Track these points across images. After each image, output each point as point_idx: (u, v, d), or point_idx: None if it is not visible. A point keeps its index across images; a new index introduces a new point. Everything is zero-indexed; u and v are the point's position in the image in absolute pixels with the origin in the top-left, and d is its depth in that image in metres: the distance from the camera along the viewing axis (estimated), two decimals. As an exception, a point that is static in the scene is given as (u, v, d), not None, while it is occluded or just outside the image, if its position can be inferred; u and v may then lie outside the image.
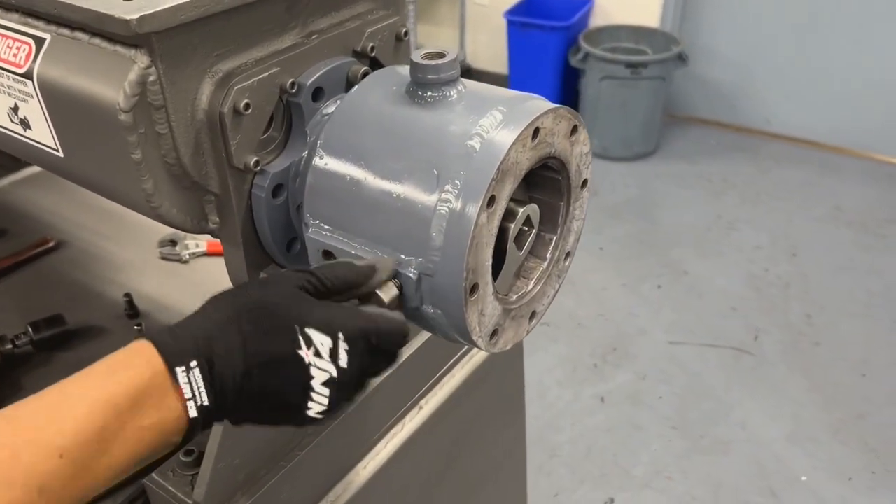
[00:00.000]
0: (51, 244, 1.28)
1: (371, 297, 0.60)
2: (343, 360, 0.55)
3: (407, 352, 0.96)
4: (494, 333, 0.65)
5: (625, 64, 3.28)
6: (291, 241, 0.72)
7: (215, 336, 0.53)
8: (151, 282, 1.20)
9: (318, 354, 0.54)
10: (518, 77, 3.62)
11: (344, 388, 0.56)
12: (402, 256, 0.60)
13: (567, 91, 3.63)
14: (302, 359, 0.54)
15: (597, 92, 3.39)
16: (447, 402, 1.04)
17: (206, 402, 0.52)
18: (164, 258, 1.25)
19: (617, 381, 2.38)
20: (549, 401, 2.30)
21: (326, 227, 0.64)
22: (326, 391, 0.55)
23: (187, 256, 1.24)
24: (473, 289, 0.59)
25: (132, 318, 1.13)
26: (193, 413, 0.51)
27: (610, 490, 2.04)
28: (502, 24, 3.55)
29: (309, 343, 0.54)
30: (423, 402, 1.02)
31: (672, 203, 3.26)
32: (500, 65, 3.84)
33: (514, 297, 0.68)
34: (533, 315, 0.70)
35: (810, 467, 2.10)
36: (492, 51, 3.91)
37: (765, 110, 3.68)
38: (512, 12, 3.51)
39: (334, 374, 0.55)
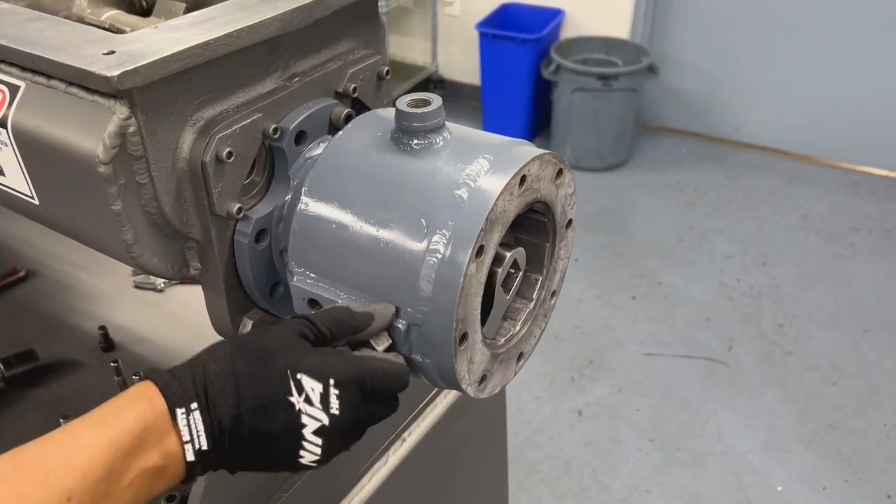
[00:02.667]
0: (21, 274, 1.25)
1: (364, 346, 0.59)
2: (335, 408, 0.55)
3: (390, 386, 0.95)
4: (483, 379, 0.65)
5: (596, 76, 3.30)
6: (274, 285, 0.70)
7: (212, 378, 0.53)
8: (126, 312, 1.18)
9: (308, 401, 0.54)
10: (491, 89, 3.63)
11: (337, 436, 0.56)
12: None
13: (539, 102, 3.64)
14: (293, 405, 0.54)
15: (569, 103, 3.41)
16: (430, 433, 1.03)
17: (203, 447, 0.52)
18: (138, 287, 1.23)
19: (594, 395, 2.39)
20: (527, 416, 2.30)
21: (312, 275, 0.63)
22: (319, 440, 0.55)
23: (162, 285, 1.22)
24: (463, 338, 0.59)
25: (107, 352, 1.11)
26: (191, 457, 0.52)
27: (589, 505, 2.04)
28: (474, 35, 3.56)
29: (300, 389, 0.54)
30: (405, 434, 1.01)
31: (644, 213, 3.29)
32: (472, 76, 3.84)
33: (502, 341, 0.68)
34: (520, 356, 0.70)
35: (785, 477, 2.12)
36: (464, 62, 3.91)
37: (734, 120, 3.73)
38: (484, 24, 3.52)
39: (326, 422, 0.54)
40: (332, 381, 0.54)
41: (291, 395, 0.54)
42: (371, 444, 0.96)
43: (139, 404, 0.51)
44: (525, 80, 3.51)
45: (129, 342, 1.12)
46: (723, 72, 3.63)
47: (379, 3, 0.75)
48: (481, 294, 0.60)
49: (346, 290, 0.61)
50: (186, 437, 0.51)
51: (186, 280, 1.20)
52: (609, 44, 3.55)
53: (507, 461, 1.31)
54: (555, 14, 3.58)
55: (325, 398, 0.54)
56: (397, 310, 0.59)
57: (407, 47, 4.03)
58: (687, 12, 3.57)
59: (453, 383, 0.62)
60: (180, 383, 0.52)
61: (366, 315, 0.58)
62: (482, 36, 3.50)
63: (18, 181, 0.65)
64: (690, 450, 2.21)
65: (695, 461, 2.18)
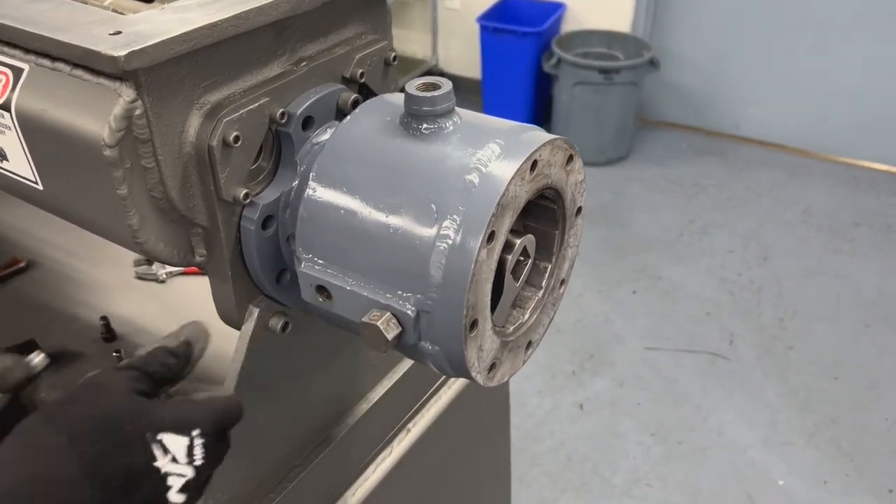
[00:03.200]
0: (21, 265, 1.24)
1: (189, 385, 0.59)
2: (199, 458, 0.51)
3: (394, 376, 0.95)
4: (492, 367, 0.64)
5: (597, 69, 3.29)
6: (281, 272, 0.70)
7: (49, 470, 0.45)
8: (128, 303, 1.17)
9: (174, 460, 0.50)
10: (491, 82, 3.62)
11: (199, 487, 0.52)
12: (400, 292, 0.59)
13: (540, 96, 3.64)
14: (158, 470, 0.49)
15: (570, 97, 3.40)
16: (434, 424, 1.02)
17: None
18: (140, 277, 1.22)
19: (595, 389, 2.39)
20: (528, 410, 2.30)
21: (320, 261, 0.62)
22: (183, 497, 0.50)
23: (164, 276, 1.21)
24: (473, 325, 0.58)
25: (109, 342, 1.10)
26: None
27: (591, 499, 2.04)
28: (475, 28, 3.55)
29: (165, 451, 0.50)
30: (410, 425, 1.00)
31: (645, 207, 3.29)
32: (473, 70, 3.83)
33: (511, 329, 0.67)
34: (529, 345, 0.70)
35: (786, 472, 2.12)
36: (465, 55, 3.90)
37: (734, 114, 3.72)
38: (484, 17, 3.51)
39: (191, 476, 0.51)
40: (195, 433, 0.51)
41: (156, 460, 0.49)
42: (376, 434, 0.95)
43: None
44: (526, 74, 3.50)
45: (131, 333, 1.11)
46: (723, 67, 3.63)
47: (385, -11, 0.74)
48: (492, 281, 0.59)
49: (355, 277, 0.61)
50: None
51: (189, 269, 1.20)
52: (610, 37, 3.54)
53: (509, 452, 1.30)
54: (556, 7, 3.57)
55: (190, 451, 0.51)
56: (402, 297, 0.58)
57: (407, 41, 4.02)
58: (688, 7, 3.56)
59: (463, 371, 0.61)
60: None
61: (183, 346, 0.58)
62: (483, 29, 3.49)
63: (22, 166, 0.64)
64: (691, 444, 2.21)
65: (695, 455, 2.18)
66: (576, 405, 2.33)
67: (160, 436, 0.50)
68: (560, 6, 3.58)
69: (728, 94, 3.69)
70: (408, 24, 3.99)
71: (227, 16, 0.56)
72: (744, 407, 2.33)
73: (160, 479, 0.49)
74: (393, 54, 0.73)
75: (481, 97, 3.70)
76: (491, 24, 3.46)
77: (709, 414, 2.30)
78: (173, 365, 0.57)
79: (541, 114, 3.72)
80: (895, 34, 3.27)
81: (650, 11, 3.58)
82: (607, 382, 2.41)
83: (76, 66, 0.57)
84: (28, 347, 1.05)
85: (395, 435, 0.98)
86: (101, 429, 0.48)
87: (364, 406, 0.91)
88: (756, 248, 3.02)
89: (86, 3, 0.82)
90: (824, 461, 2.15)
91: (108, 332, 1.10)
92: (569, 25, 3.64)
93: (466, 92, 3.92)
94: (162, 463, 0.49)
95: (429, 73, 3.99)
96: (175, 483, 0.50)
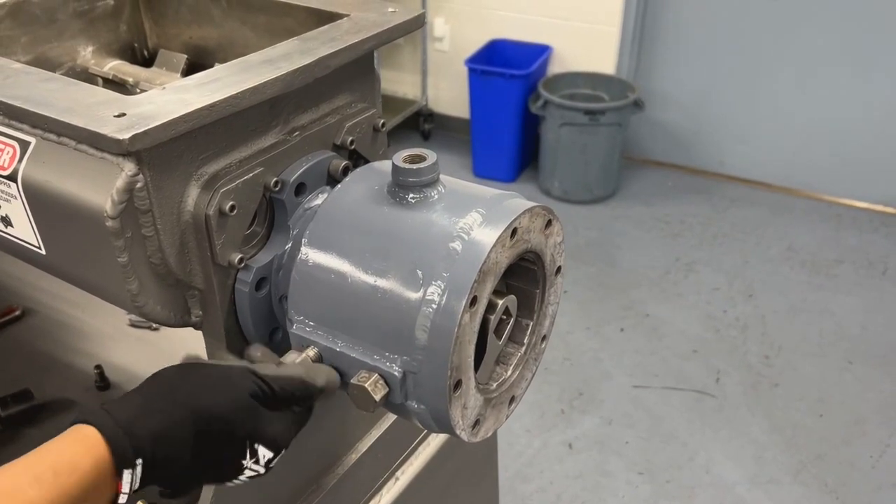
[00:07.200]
0: (17, 313, 1.26)
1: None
2: (274, 465, 0.62)
3: (383, 426, 0.97)
4: (476, 423, 0.67)
5: (583, 111, 3.36)
6: (273, 330, 0.73)
7: (166, 438, 0.55)
8: (122, 351, 1.19)
9: (256, 462, 0.60)
10: (480, 122, 3.68)
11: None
12: (387, 354, 0.62)
13: (528, 136, 3.70)
14: (242, 464, 0.60)
15: (556, 137, 3.46)
16: (422, 471, 1.04)
17: (136, 488, 0.55)
18: (133, 325, 1.24)
19: (584, 427, 2.41)
20: (517, 449, 2.31)
21: (311, 322, 0.65)
22: (248, 481, 0.61)
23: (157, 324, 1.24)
24: (457, 385, 0.61)
25: (103, 391, 1.11)
26: (123, 500, 0.54)
27: (579, 539, 2.05)
28: (464, 70, 3.61)
29: (254, 454, 0.60)
30: (398, 472, 1.02)
31: (631, 245, 3.33)
32: (461, 109, 3.90)
33: (495, 385, 0.70)
34: (512, 400, 0.72)
35: (773, 509, 2.14)
36: (454, 96, 3.97)
37: (718, 153, 3.79)
38: (473, 60, 3.58)
39: (262, 472, 0.61)
40: (283, 451, 0.62)
41: (245, 458, 0.59)
42: (365, 482, 0.97)
43: (82, 465, 0.51)
44: (513, 115, 3.57)
45: (125, 381, 1.13)
46: (707, 106, 3.71)
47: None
48: (474, 342, 0.62)
49: (344, 339, 0.64)
50: (126, 490, 0.54)
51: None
52: (595, 79, 3.62)
53: (498, 495, 1.32)
54: (542, 50, 3.65)
55: (271, 461, 0.61)
56: (388, 358, 0.63)
57: (398, 81, 4.09)
58: (671, 48, 3.65)
59: (448, 428, 0.64)
60: (130, 438, 0.53)
61: (317, 390, 0.64)
62: (471, 71, 3.56)
63: (26, 232, 0.67)
64: (679, 482, 2.22)
65: (683, 494, 2.19)
66: (564, 444, 2.35)
67: (257, 445, 0.60)
68: (546, 49, 3.66)
69: (712, 133, 3.76)
70: (398, 65, 4.06)
71: (224, 96, 0.59)
72: (730, 444, 2.35)
73: (238, 468, 0.60)
74: (381, 121, 0.77)
75: (470, 136, 3.76)
76: (479, 66, 3.53)
77: (696, 452, 2.32)
78: (300, 396, 0.63)
79: (528, 153, 3.78)
80: (875, 73, 3.36)
81: (634, 53, 3.66)
82: (596, 421, 2.43)
83: (80, 141, 0.60)
84: (23, 396, 1.07)
85: (384, 483, 1.00)
86: (209, 423, 0.57)
87: (353, 456, 0.93)
88: (741, 285, 3.07)
89: (86, 69, 0.86)
90: (810, 498, 2.17)
91: (102, 381, 1.12)
92: (555, 67, 3.71)
93: (455, 131, 3.98)
94: (248, 462, 0.60)
95: (418, 113, 4.05)
96: (247, 473, 0.61)
